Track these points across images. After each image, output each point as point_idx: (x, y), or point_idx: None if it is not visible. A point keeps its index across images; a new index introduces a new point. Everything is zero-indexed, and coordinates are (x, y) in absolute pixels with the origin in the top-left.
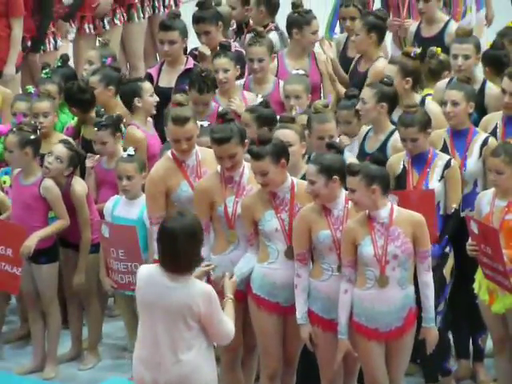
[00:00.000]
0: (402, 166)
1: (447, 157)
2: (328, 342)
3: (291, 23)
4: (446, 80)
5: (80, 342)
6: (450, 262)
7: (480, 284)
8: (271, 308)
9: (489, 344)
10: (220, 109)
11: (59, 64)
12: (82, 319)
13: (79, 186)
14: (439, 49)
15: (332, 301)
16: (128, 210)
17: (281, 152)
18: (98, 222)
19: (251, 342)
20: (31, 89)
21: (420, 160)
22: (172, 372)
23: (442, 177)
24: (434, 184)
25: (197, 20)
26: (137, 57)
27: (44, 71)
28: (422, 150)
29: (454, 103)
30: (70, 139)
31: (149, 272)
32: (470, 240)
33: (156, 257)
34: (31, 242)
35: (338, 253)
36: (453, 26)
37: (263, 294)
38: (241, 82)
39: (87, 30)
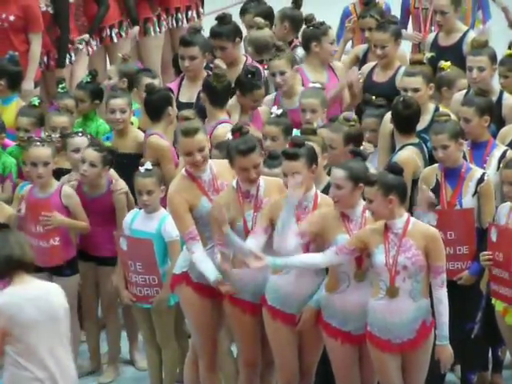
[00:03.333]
0: (435, 180)
1: (481, 171)
2: (346, 355)
3: (309, 37)
4: (463, 92)
5: (98, 356)
6: (487, 272)
7: None
8: (286, 319)
9: (508, 355)
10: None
11: (88, 80)
12: (99, 333)
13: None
14: (447, 63)
15: (349, 313)
16: (146, 223)
17: (314, 157)
18: (116, 235)
19: (269, 357)
20: (36, 101)
21: (454, 174)
22: (71, 379)
23: (476, 192)
24: (468, 199)
25: (214, 35)
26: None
27: (60, 86)
28: (455, 163)
29: (466, 120)
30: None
31: (9, 295)
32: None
33: (176, 271)
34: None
35: (356, 260)
36: (471, 36)
37: (278, 305)
38: (271, 96)
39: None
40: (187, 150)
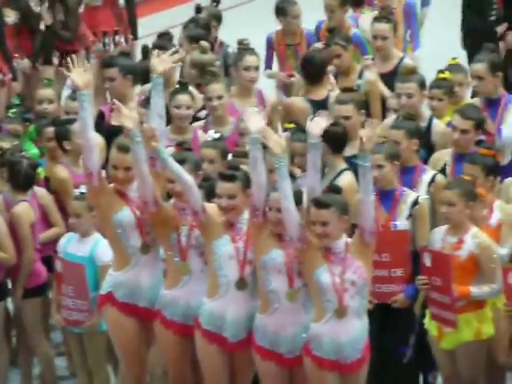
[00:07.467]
0: None
1: (415, 194)
2: (278, 379)
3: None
4: (393, 117)
5: (30, 381)
6: (421, 296)
7: (430, 320)
8: (219, 342)
9: (439, 381)
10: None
11: (18, 102)
12: (31, 358)
13: None
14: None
15: (281, 335)
16: (80, 246)
17: (249, 181)
18: (54, 256)
19: (200, 381)
20: None
21: (388, 197)
22: None
23: (410, 214)
24: (403, 222)
25: (107, 64)
26: None
27: (11, 110)
28: (390, 185)
29: (395, 142)
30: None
31: None
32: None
33: (102, 292)
34: None
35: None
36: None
37: (212, 328)
38: (201, 123)
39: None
40: (114, 164)
